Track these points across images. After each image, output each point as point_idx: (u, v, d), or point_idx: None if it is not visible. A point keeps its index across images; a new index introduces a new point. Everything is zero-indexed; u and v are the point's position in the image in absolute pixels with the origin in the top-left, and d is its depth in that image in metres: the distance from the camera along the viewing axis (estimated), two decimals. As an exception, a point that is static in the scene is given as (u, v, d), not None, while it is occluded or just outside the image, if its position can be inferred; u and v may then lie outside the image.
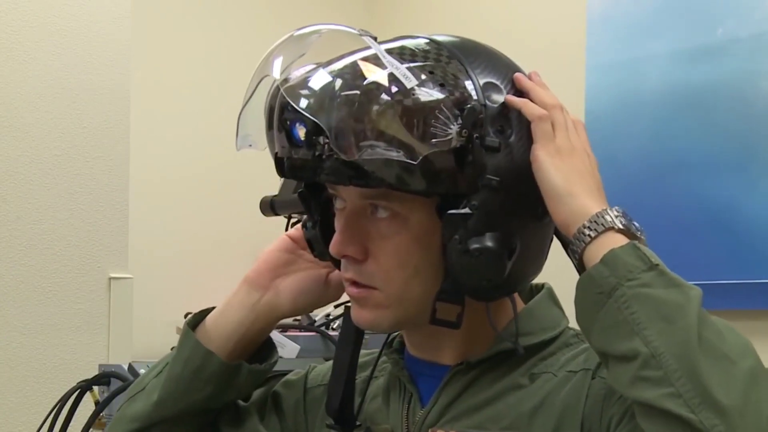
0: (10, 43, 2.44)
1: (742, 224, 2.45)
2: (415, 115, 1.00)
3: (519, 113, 1.06)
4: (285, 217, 2.78)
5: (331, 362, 1.25)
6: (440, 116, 1.00)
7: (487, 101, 1.04)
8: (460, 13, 3.16)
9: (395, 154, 0.99)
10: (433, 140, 1.00)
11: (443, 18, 3.22)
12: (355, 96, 1.00)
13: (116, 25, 2.58)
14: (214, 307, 1.24)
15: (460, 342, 1.12)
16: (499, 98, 1.05)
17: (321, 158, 1.01)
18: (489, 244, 1.03)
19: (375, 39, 1.05)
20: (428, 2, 3.31)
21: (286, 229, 2.77)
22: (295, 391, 1.26)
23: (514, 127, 1.05)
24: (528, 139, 1.06)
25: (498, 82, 1.07)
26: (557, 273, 1.19)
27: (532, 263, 1.11)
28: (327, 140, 1.00)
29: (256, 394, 1.26)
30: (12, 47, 2.44)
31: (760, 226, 2.43)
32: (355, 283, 1.09)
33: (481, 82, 1.05)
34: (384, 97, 1.00)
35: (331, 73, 1.03)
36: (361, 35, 1.05)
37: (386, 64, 1.01)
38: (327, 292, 1.21)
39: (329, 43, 1.07)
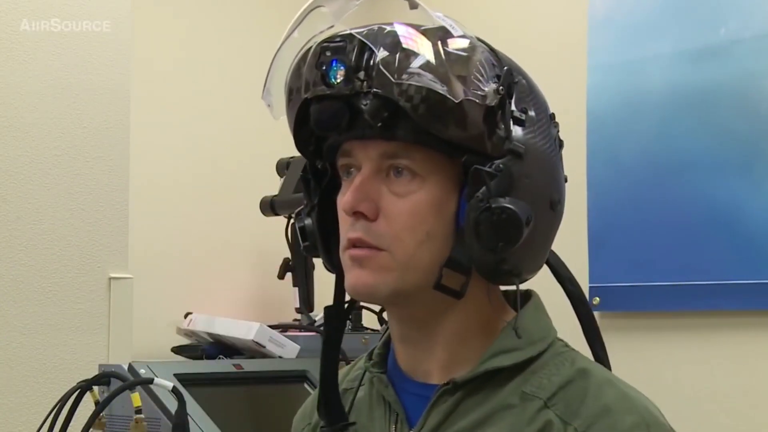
0: (10, 43, 2.44)
1: (746, 224, 2.45)
2: (459, 60, 1.03)
3: (537, 103, 1.10)
4: (285, 217, 2.79)
5: (310, 397, 1.25)
6: (481, 69, 1.04)
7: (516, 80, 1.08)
8: (461, 13, 3.14)
9: (440, 88, 1.01)
10: (473, 89, 1.02)
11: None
12: (405, 32, 1.04)
13: (116, 25, 2.58)
14: None
15: (449, 358, 1.11)
16: (523, 82, 1.09)
17: (358, 96, 1.03)
18: (510, 205, 1.04)
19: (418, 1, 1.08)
20: (428, 2, 3.31)
21: (287, 229, 2.78)
22: None
23: (534, 111, 1.09)
24: (546, 131, 1.09)
25: (519, 73, 1.10)
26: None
27: (536, 252, 1.10)
28: (366, 76, 1.02)
29: None
30: (12, 47, 2.44)
31: (763, 227, 2.42)
32: (359, 247, 1.07)
33: (508, 64, 1.09)
34: (433, 37, 1.04)
35: (380, 22, 1.07)
36: None
37: (434, 17, 1.06)
38: None
39: (374, 4, 1.09)
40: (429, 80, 1.01)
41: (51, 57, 2.48)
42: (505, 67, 1.06)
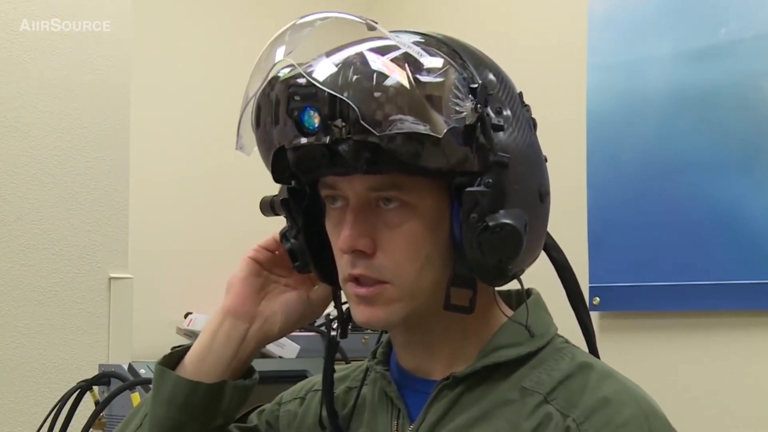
0: (10, 43, 2.44)
1: (746, 224, 2.45)
2: (435, 90, 1.00)
3: (509, 93, 1.07)
4: (285, 217, 2.78)
5: (305, 380, 1.25)
6: (456, 92, 1.01)
7: (484, 81, 1.05)
8: (460, 13, 3.16)
9: (423, 128, 0.98)
10: (452, 115, 1.00)
11: (443, 17, 3.21)
12: (375, 72, 0.99)
13: (116, 25, 2.58)
14: (186, 347, 1.19)
15: (450, 356, 1.11)
16: (491, 78, 1.06)
17: (337, 142, 1.00)
18: (507, 220, 1.03)
19: (376, 23, 1.04)
20: (428, 1, 3.31)
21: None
22: (269, 412, 1.25)
23: (508, 107, 1.07)
24: (522, 120, 1.07)
25: (486, 66, 1.08)
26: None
27: (534, 247, 1.10)
28: (344, 123, 0.99)
29: None
30: (12, 47, 2.44)
31: (763, 227, 2.42)
32: (361, 283, 1.07)
33: (474, 63, 1.06)
34: (405, 72, 0.99)
35: (343, 54, 1.02)
36: (362, 21, 1.03)
37: (398, 44, 1.02)
38: (311, 310, 1.18)
39: (331, 30, 1.06)
40: (411, 123, 0.98)
41: (51, 57, 2.49)
42: (480, 82, 1.03)
